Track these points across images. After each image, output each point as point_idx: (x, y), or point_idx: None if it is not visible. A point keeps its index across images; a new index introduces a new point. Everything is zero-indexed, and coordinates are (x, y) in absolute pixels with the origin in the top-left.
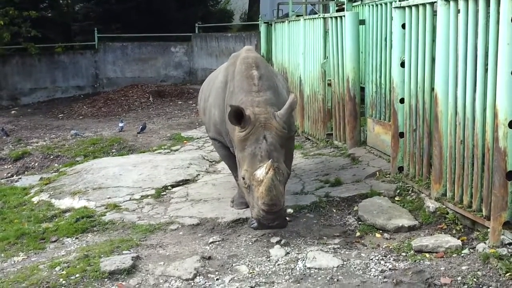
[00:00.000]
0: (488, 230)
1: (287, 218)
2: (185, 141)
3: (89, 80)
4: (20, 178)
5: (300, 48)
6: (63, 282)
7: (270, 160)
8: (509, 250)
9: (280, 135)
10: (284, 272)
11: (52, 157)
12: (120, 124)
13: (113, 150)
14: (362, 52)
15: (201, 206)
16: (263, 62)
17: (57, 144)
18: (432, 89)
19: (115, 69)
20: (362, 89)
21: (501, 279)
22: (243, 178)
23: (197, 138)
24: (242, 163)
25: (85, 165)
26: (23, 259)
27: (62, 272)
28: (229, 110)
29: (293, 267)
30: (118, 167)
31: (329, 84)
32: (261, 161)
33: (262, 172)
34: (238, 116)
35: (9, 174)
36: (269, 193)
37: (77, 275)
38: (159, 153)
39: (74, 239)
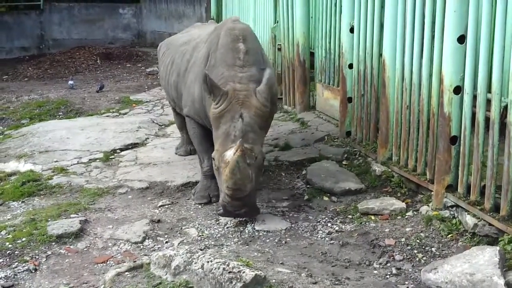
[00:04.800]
0: (432, 193)
1: (256, 207)
2: (134, 105)
3: (35, 41)
4: None
5: (250, 12)
6: (9, 246)
7: (239, 140)
8: (451, 212)
9: (260, 114)
10: (233, 235)
11: None
12: (70, 82)
13: (60, 113)
14: (312, 17)
15: (150, 169)
16: (252, 35)
17: (1, 107)
18: (380, 55)
19: (61, 30)
20: (312, 54)
21: (443, 240)
22: (213, 159)
23: (146, 102)
24: (215, 143)
25: (31, 128)
26: None
27: (8, 236)
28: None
29: (242, 230)
30: (65, 130)
31: (279, 49)
32: (233, 141)
33: (231, 153)
34: (211, 84)
35: None
36: (233, 176)
37: (24, 239)
38: (107, 116)
39: (20, 202)
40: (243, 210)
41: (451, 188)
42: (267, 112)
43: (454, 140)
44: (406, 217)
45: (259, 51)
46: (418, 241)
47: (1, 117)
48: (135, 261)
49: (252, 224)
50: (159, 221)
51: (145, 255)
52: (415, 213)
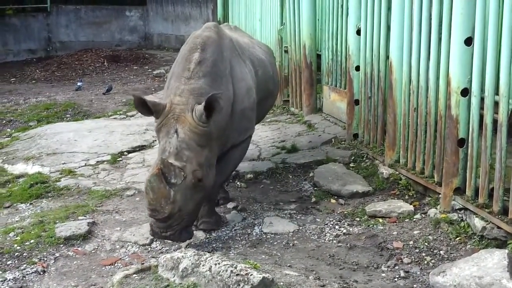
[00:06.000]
0: (440, 196)
1: (190, 231)
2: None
3: (42, 44)
4: None
5: (257, 14)
6: (18, 248)
7: (160, 158)
8: (459, 215)
9: (196, 132)
10: (241, 237)
11: (4, 121)
12: (79, 83)
13: (67, 115)
14: (318, 19)
15: None
16: (214, 44)
17: (9, 109)
18: (387, 57)
19: (68, 33)
20: (319, 56)
21: (451, 243)
22: None
23: None
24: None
25: (39, 130)
26: None
27: (17, 238)
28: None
29: (249, 232)
30: (72, 133)
31: (286, 51)
32: (168, 157)
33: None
34: (142, 105)
35: None
36: (146, 195)
37: (32, 241)
38: (114, 118)
39: (28, 204)
40: (168, 233)
41: (459, 190)
42: (206, 132)
43: (461, 142)
44: (414, 220)
45: (220, 63)
46: (426, 244)
47: (9, 119)
48: (143, 263)
49: (260, 227)
50: None
51: (153, 257)
52: (423, 215)
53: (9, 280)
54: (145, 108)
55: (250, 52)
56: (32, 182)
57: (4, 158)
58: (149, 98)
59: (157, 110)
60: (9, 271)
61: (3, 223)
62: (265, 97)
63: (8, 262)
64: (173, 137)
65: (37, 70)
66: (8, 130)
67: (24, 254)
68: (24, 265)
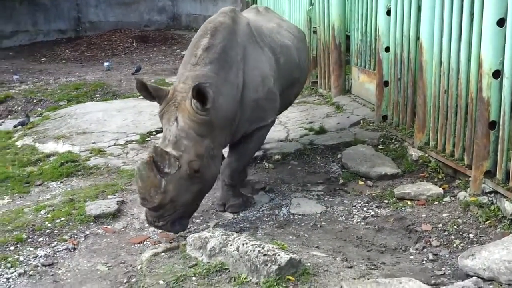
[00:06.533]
0: (470, 178)
1: (183, 223)
2: (170, 87)
3: (71, 24)
4: (3, 121)
5: None
6: (49, 225)
7: (153, 146)
8: (489, 198)
9: (195, 120)
10: (268, 218)
11: (35, 101)
12: (106, 63)
13: (96, 95)
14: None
15: None
16: (227, 30)
17: (40, 88)
18: (418, 38)
19: (98, 13)
20: (348, 37)
21: (480, 226)
22: None
23: None
24: None
25: (69, 110)
26: (8, 202)
27: (48, 216)
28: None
29: (277, 213)
30: (102, 112)
31: (315, 32)
32: (166, 146)
33: None
34: (143, 89)
35: None
36: (136, 183)
37: (63, 219)
38: (143, 98)
39: (59, 183)
40: (160, 222)
41: (490, 173)
42: (206, 121)
43: (493, 125)
44: (443, 202)
45: (231, 50)
46: (455, 227)
47: (40, 99)
48: (171, 242)
49: (287, 208)
50: None
51: (181, 236)
52: (453, 198)
53: (41, 256)
54: (147, 92)
55: (271, 38)
56: (62, 161)
57: (35, 137)
58: (150, 82)
59: (159, 96)
60: (40, 248)
61: (35, 200)
62: (290, 85)
63: (40, 239)
64: (173, 125)
65: (67, 50)
66: (39, 109)
67: (55, 231)
68: (55, 242)
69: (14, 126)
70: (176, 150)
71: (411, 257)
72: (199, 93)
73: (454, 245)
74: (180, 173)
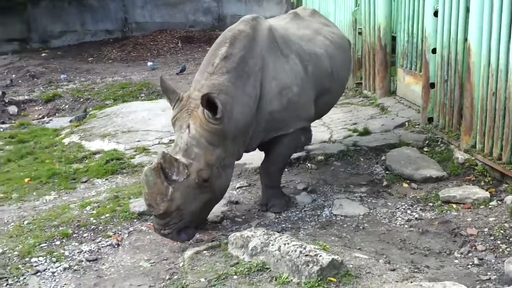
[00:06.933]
0: None
1: (189, 233)
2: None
3: (118, 24)
4: (51, 119)
5: None
6: (94, 221)
7: (162, 152)
8: None
9: (207, 129)
10: (310, 219)
11: (82, 100)
12: (150, 63)
13: (142, 95)
14: (394, 0)
15: None
16: (245, 39)
17: (87, 87)
18: (465, 39)
19: (144, 14)
20: (393, 38)
21: None
22: None
23: None
24: None
25: (115, 109)
26: (54, 198)
27: (93, 212)
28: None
29: (319, 213)
30: (147, 111)
31: (360, 33)
32: (177, 153)
33: None
34: (165, 88)
35: (40, 116)
36: (143, 189)
37: (107, 215)
38: None
39: (104, 180)
40: (166, 230)
41: None
42: (218, 130)
43: None
44: (490, 206)
45: (250, 59)
46: (502, 231)
47: (87, 98)
48: (213, 241)
49: (330, 209)
50: (237, 202)
51: (223, 235)
52: (499, 202)
53: (85, 252)
54: (167, 89)
55: (299, 46)
56: (108, 159)
57: (82, 134)
58: (172, 84)
59: (172, 99)
60: (85, 243)
61: (80, 197)
62: (320, 94)
63: (85, 235)
64: (185, 132)
65: (114, 50)
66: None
67: (100, 227)
68: (100, 238)
69: (70, 121)
70: (186, 157)
71: (456, 261)
72: (209, 103)
73: (500, 250)
74: (188, 181)
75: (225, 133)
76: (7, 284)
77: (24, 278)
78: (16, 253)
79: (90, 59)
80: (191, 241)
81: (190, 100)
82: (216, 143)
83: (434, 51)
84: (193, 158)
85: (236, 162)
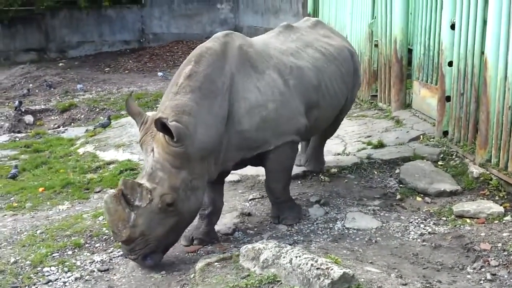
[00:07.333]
0: None
1: (155, 258)
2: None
3: (135, 35)
4: (67, 129)
5: (347, 7)
6: (106, 231)
7: (122, 179)
8: None
9: (169, 152)
10: (323, 231)
11: (97, 110)
12: (160, 73)
13: (157, 105)
14: (411, 13)
15: None
16: (217, 58)
17: (103, 98)
18: (482, 52)
19: (161, 25)
20: (410, 51)
21: None
22: None
23: None
24: None
25: (130, 119)
26: (67, 207)
27: (105, 222)
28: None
29: (331, 226)
30: None
31: (376, 45)
32: (143, 177)
33: None
34: (130, 110)
35: (56, 125)
36: (105, 216)
37: None
38: None
39: None
40: (132, 256)
41: None
42: (180, 153)
43: None
44: (504, 221)
45: (217, 78)
46: None
47: (102, 108)
48: (224, 252)
49: (342, 222)
50: (249, 214)
51: (235, 247)
52: None
53: (97, 262)
54: (131, 111)
55: (279, 60)
56: (122, 169)
57: (97, 144)
58: (135, 106)
59: (137, 121)
60: (97, 254)
61: (93, 207)
62: (308, 107)
63: (97, 245)
64: (149, 155)
65: (130, 61)
66: (101, 118)
67: (112, 238)
68: (111, 248)
69: (95, 127)
70: (151, 182)
71: (468, 276)
72: (164, 127)
73: None
74: (151, 206)
75: (188, 155)
76: None
77: None
78: (28, 262)
79: (106, 69)
80: (202, 252)
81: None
82: (180, 165)
83: (450, 64)
84: (157, 182)
85: (248, 174)
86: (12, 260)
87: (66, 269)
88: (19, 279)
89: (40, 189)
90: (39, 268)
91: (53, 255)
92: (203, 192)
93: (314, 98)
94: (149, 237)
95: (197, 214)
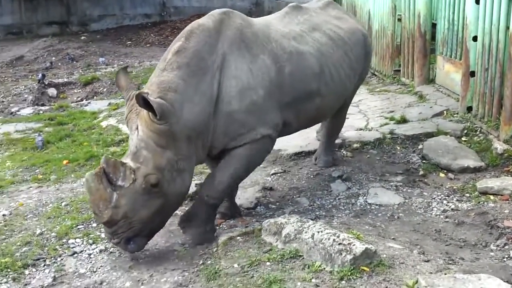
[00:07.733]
0: None
1: (139, 242)
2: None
3: (157, 9)
4: (89, 102)
5: None
6: None
7: (104, 156)
8: None
9: (153, 130)
10: (345, 207)
11: None
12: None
13: None
14: None
15: None
16: (209, 35)
17: None
18: (507, 27)
19: None
20: (433, 26)
21: None
22: None
23: None
24: None
25: None
26: None
27: None
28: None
29: (353, 202)
30: None
31: (399, 19)
32: (127, 156)
33: None
34: (119, 84)
35: (78, 98)
36: (87, 196)
37: None
38: None
39: None
40: (115, 239)
41: None
42: (165, 131)
43: None
44: None
45: (207, 55)
46: None
47: None
48: (246, 227)
49: (364, 197)
50: (271, 188)
51: (257, 221)
52: None
53: None
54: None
55: (278, 44)
56: None
57: (119, 118)
58: (127, 80)
59: (125, 97)
60: None
61: None
62: (303, 98)
63: None
64: (134, 134)
65: (152, 34)
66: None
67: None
68: None
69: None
70: (135, 161)
71: (492, 253)
72: (146, 103)
73: None
74: (135, 186)
75: (173, 133)
76: (44, 265)
77: (61, 259)
78: (53, 234)
79: (128, 43)
80: (224, 226)
81: None
82: (165, 145)
83: (475, 39)
84: (142, 161)
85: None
86: (38, 231)
87: (91, 241)
88: (44, 251)
89: (64, 162)
90: (64, 240)
91: (78, 227)
92: (191, 175)
93: (314, 85)
94: (133, 219)
95: (184, 198)
